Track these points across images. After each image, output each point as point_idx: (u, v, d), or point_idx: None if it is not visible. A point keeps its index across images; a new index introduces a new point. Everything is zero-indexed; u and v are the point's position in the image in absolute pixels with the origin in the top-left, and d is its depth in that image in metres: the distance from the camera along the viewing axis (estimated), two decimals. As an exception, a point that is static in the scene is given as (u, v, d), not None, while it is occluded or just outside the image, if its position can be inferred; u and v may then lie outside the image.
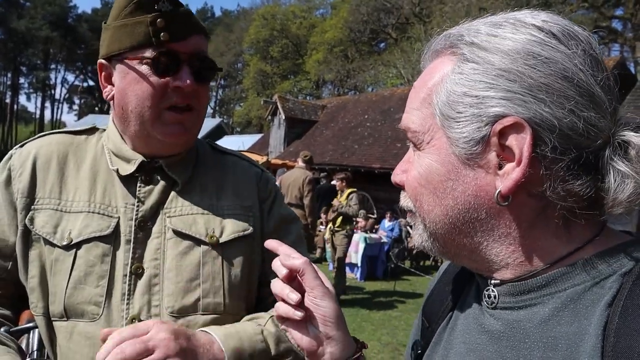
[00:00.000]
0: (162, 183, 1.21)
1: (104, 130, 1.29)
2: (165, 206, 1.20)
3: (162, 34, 1.10)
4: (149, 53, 1.11)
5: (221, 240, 1.20)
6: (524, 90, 0.63)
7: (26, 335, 1.17)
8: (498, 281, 0.73)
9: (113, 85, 1.18)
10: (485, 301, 0.74)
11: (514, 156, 0.65)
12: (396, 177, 0.79)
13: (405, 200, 0.79)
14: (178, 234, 1.18)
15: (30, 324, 1.17)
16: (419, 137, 0.73)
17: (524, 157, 0.64)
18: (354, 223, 8.56)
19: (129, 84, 1.13)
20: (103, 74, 1.20)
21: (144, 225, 1.17)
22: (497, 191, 0.66)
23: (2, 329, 1.13)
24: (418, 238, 0.78)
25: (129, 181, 1.20)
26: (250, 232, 1.24)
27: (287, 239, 1.24)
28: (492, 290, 0.73)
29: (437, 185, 0.71)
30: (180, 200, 1.21)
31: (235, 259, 1.21)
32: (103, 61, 1.19)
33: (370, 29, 37.68)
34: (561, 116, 0.62)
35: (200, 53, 1.16)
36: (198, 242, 1.18)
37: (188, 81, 1.12)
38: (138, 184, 1.20)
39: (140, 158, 1.19)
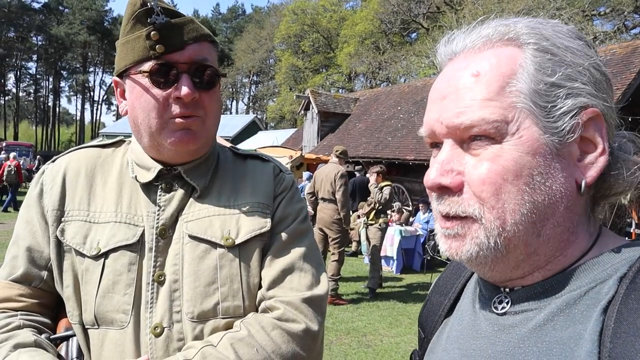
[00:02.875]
0: (181, 190, 1.23)
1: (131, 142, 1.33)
2: (183, 212, 1.22)
3: (157, 46, 1.11)
4: (147, 66, 1.13)
5: (237, 241, 1.19)
6: (593, 85, 0.68)
7: (65, 342, 1.20)
8: (507, 290, 0.73)
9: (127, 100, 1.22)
10: (495, 307, 0.74)
11: (594, 146, 0.68)
12: (444, 178, 0.69)
13: (465, 205, 0.68)
14: (194, 238, 1.18)
15: (69, 332, 1.21)
16: (501, 128, 0.66)
17: (605, 146, 0.68)
18: (388, 216, 8.52)
19: (136, 98, 1.16)
20: (118, 90, 1.24)
21: (165, 233, 1.19)
22: (584, 181, 0.67)
23: (42, 336, 1.17)
24: (474, 247, 0.68)
25: (150, 190, 1.23)
26: (267, 230, 1.22)
27: (279, 235, 1.23)
28: (504, 297, 0.73)
29: (528, 180, 0.65)
30: (197, 204, 1.22)
31: (252, 260, 1.20)
32: (117, 78, 1.23)
33: (401, 19, 37.15)
34: (610, 112, 0.69)
35: (199, 61, 1.16)
36: (214, 245, 1.18)
37: (187, 91, 1.12)
38: (158, 192, 1.22)
39: (159, 166, 1.22)
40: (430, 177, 0.70)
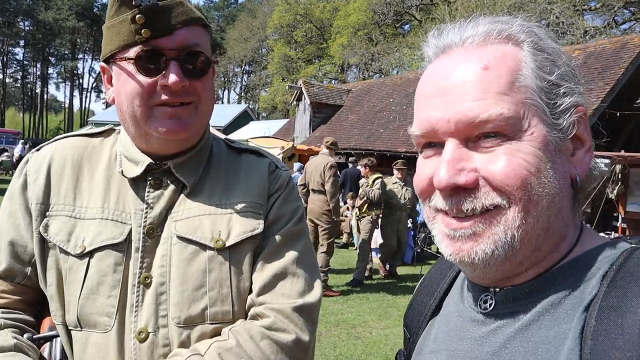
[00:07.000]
0: (171, 187, 1.16)
1: (120, 131, 1.25)
2: (172, 210, 1.15)
3: (143, 30, 1.04)
4: (132, 52, 1.06)
5: (228, 243, 1.13)
6: (579, 85, 0.71)
7: (48, 343, 1.15)
8: (498, 289, 0.73)
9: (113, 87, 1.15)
10: (480, 306, 0.74)
11: (581, 143, 0.71)
12: (459, 177, 0.66)
13: (486, 199, 0.66)
14: (182, 239, 1.12)
15: (53, 332, 1.15)
16: (515, 124, 0.65)
17: (591, 142, 0.70)
18: (381, 209, 8.56)
19: (122, 84, 1.10)
20: (105, 76, 1.17)
21: (153, 232, 1.13)
22: (577, 176, 0.69)
23: (25, 336, 1.11)
24: (490, 246, 0.66)
25: (138, 185, 1.16)
26: (259, 232, 1.16)
27: (272, 237, 1.17)
28: (490, 297, 0.73)
29: (546, 174, 0.66)
30: (187, 202, 1.16)
31: (243, 263, 1.14)
32: (103, 64, 1.16)
33: (394, 11, 37.06)
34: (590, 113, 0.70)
35: (189, 47, 1.09)
36: (203, 247, 1.12)
37: (175, 79, 1.05)
38: (147, 189, 1.15)
39: (147, 160, 1.15)
40: (443, 177, 0.66)
